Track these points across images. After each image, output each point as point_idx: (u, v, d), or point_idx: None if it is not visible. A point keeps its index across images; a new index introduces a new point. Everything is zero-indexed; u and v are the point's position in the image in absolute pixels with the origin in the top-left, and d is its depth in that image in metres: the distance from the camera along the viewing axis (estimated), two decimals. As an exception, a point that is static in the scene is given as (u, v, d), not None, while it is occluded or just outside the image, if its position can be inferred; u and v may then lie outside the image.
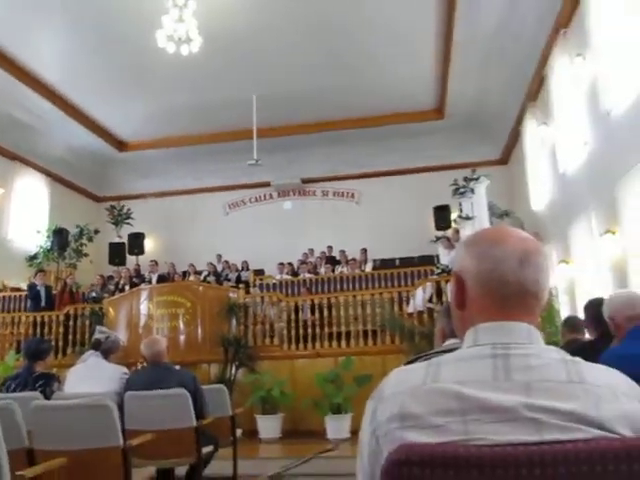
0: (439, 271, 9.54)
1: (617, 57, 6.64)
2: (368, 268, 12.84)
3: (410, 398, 0.96)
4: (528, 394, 0.93)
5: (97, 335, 4.65)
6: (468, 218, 8.80)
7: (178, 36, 8.67)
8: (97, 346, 4.57)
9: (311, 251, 14.13)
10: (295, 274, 13.08)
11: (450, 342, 2.05)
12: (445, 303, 2.29)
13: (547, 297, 1.08)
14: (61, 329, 10.11)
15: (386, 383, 1.03)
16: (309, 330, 9.49)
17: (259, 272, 13.83)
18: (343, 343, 9.27)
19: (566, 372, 0.96)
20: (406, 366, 1.08)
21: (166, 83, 11.65)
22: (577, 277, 8.54)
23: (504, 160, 14.05)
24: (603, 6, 7.03)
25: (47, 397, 4.18)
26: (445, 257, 10.18)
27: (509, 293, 1.02)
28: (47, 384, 4.23)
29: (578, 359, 1.00)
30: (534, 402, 0.92)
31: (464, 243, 1.12)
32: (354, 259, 12.90)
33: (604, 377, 0.97)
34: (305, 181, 15.47)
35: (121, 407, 4.06)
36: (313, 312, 9.84)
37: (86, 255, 13.62)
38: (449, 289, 8.73)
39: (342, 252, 13.46)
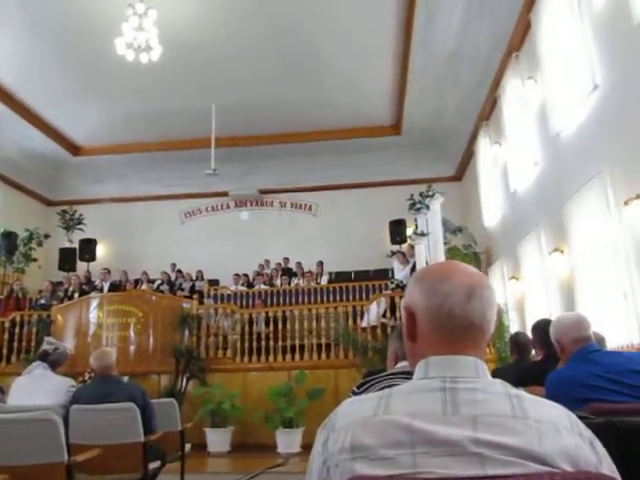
0: (393, 286, 9.63)
1: (566, 79, 6.88)
2: (324, 281, 12.88)
3: (361, 429, 0.97)
4: (474, 428, 0.94)
5: (45, 346, 4.50)
6: (423, 234, 8.93)
7: (138, 44, 8.57)
8: (44, 357, 4.42)
9: (267, 262, 14.08)
10: (250, 285, 13.00)
11: (402, 364, 2.07)
12: (398, 326, 2.32)
13: (493, 329, 1.10)
14: (6, 336, 9.75)
15: (338, 413, 1.04)
16: (263, 343, 9.42)
17: (214, 282, 13.68)
18: (297, 356, 9.23)
19: (510, 407, 0.98)
20: (357, 397, 1.09)
21: (123, 89, 11.47)
22: (526, 293, 8.76)
23: (458, 177, 14.36)
24: (552, 30, 7.28)
25: (-12, 410, 4.02)
26: (400, 272, 10.30)
27: (457, 327, 1.05)
28: (-11, 396, 4.07)
29: (522, 393, 1.02)
30: (479, 436, 0.93)
31: (414, 278, 1.15)
32: (310, 272, 12.92)
33: (547, 412, 0.99)
34: (263, 192, 15.43)
35: (66, 420, 3.94)
36: (267, 324, 9.79)
37: (35, 260, 13.21)
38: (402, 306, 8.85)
39: (298, 264, 13.46)
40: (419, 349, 1.08)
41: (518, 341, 4.02)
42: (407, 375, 1.91)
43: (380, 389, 1.93)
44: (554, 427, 0.96)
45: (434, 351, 1.05)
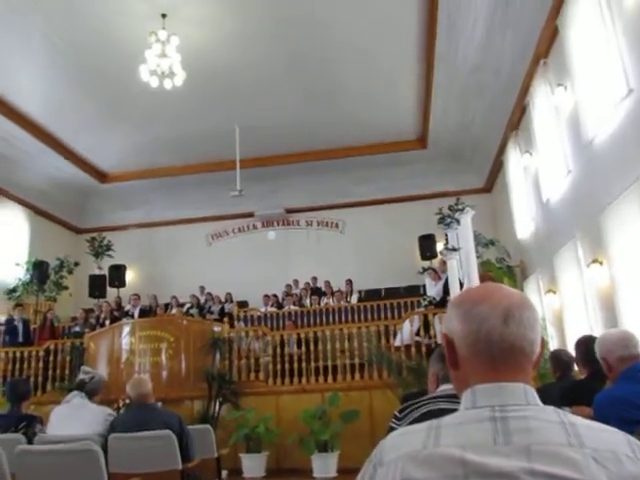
0: (426, 303, 9.58)
1: (597, 84, 6.79)
2: (354, 300, 12.90)
3: (411, 463, 0.96)
4: (529, 458, 0.93)
5: (81, 375, 4.59)
6: (454, 249, 8.87)
7: (161, 70, 8.78)
8: (82, 387, 4.51)
9: (296, 282, 14.14)
10: (280, 306, 13.08)
11: (444, 388, 2.05)
12: (438, 347, 2.29)
13: (538, 351, 1.08)
14: (40, 364, 9.95)
15: (385, 446, 1.03)
16: (295, 365, 9.44)
17: (243, 304, 13.78)
18: (329, 378, 9.22)
19: (565, 435, 0.96)
20: (404, 428, 1.08)
21: (148, 115, 11.73)
22: (565, 307, 8.61)
23: (488, 188, 14.27)
24: (581, 35, 7.21)
25: (30, 439, 4.11)
26: (432, 289, 10.23)
27: (496, 352, 1.04)
28: (29, 425, 4.16)
29: (576, 419, 1.00)
30: (535, 467, 0.92)
31: (451, 303, 1.15)
32: (339, 290, 12.95)
33: (605, 439, 0.96)
34: (289, 211, 15.54)
35: (105, 449, 4.00)
36: (299, 346, 9.81)
37: (66, 288, 13.49)
38: (437, 323, 8.78)
39: (327, 283, 13.50)
40: (463, 377, 1.08)
41: (560, 359, 3.95)
42: (451, 398, 1.91)
43: (423, 414, 1.93)
44: (614, 456, 0.93)
45: (479, 379, 1.04)
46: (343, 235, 15.37)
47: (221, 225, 15.86)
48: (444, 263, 9.83)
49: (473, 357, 1.05)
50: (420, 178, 14.29)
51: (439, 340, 8.55)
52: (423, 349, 8.73)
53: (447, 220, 9.35)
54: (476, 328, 1.05)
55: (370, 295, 13.39)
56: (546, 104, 8.87)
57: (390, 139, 13.43)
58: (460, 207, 9.20)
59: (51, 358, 10.01)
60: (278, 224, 15.78)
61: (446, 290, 9.41)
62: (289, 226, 15.75)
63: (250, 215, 15.51)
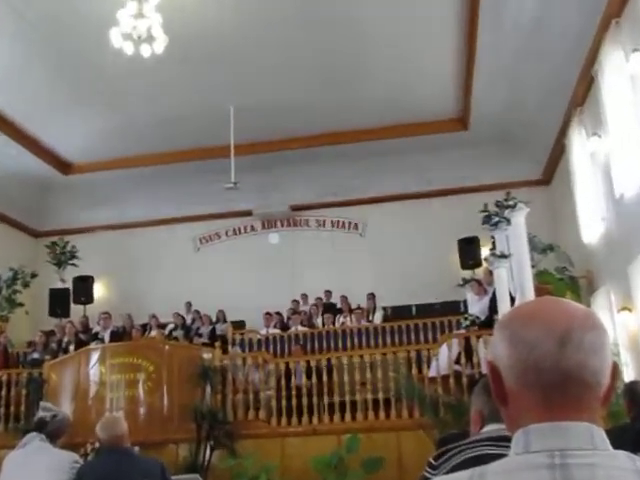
0: (467, 323, 9.59)
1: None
2: (377, 319, 12.94)
3: None
4: None
5: (41, 413, 4.65)
6: (503, 256, 8.87)
7: (138, 34, 8.80)
8: (42, 427, 4.56)
9: (305, 297, 14.22)
10: (285, 327, 13.15)
11: (490, 428, 2.07)
12: (483, 378, 2.30)
13: (606, 381, 1.07)
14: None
15: None
16: (304, 400, 9.48)
17: (239, 324, 13.86)
18: (347, 416, 9.25)
19: None
20: (442, 478, 1.10)
21: (121, 92, 11.84)
22: (643, 328, 8.58)
23: (545, 180, 14.25)
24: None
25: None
26: (475, 305, 10.24)
27: (550, 384, 1.04)
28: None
29: None
30: None
31: (497, 324, 1.16)
32: (359, 307, 13.00)
33: None
34: (295, 208, 15.61)
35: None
36: (309, 376, 9.85)
37: (21, 305, 13.60)
38: (482, 347, 8.79)
39: (344, 298, 13.55)
40: (513, 414, 1.08)
41: (636, 393, 3.95)
42: (498, 442, 1.93)
43: (464, 461, 1.95)
44: None
45: (532, 417, 1.05)
46: (363, 238, 15.41)
47: (211, 226, 15.96)
48: (490, 273, 9.84)
49: (523, 390, 1.06)
50: (460, 167, 14.29)
51: (484, 369, 8.55)
52: (464, 381, 8.73)
53: (494, 219, 9.35)
54: (525, 354, 1.05)
55: (398, 313, 13.44)
56: (619, 73, 8.82)
57: (422, 119, 13.44)
58: (511, 203, 9.20)
59: (3, 392, 10.09)
60: (282, 225, 15.84)
61: (493, 307, 9.42)
62: (296, 227, 15.81)
63: (247, 214, 15.59)
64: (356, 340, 12.01)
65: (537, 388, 1.05)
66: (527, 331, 1.06)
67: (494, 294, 9.49)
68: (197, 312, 13.91)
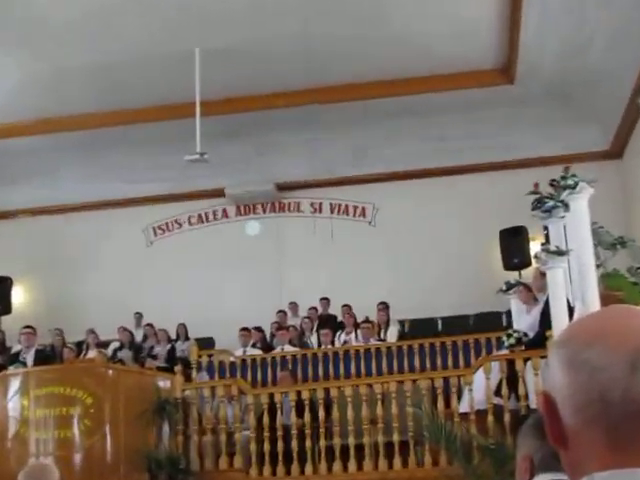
0: (512, 341, 9.56)
1: None
2: (391, 336, 13.03)
3: None
4: None
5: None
6: (560, 253, 8.89)
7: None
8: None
9: (294, 307, 14.32)
10: (268, 347, 13.22)
11: (542, 478, 2.13)
12: (533, 414, 2.33)
13: None
14: None
15: None
16: (293, 443, 9.49)
17: (207, 343, 13.89)
18: (351, 465, 9.27)
19: None
20: None
21: (53, 36, 11.83)
22: None
23: (616, 152, 14.29)
24: None
25: None
26: (523, 318, 10.22)
27: (618, 420, 1.05)
28: None
29: None
30: None
31: (553, 344, 1.19)
32: (368, 320, 12.99)
33: None
34: (282, 188, 15.65)
35: None
36: (300, 413, 9.86)
37: None
38: (530, 374, 8.84)
39: (347, 308, 13.61)
40: (573, 457, 1.10)
41: None
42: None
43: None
44: None
45: (597, 462, 1.06)
46: (374, 229, 15.45)
47: (169, 212, 15.98)
48: (542, 276, 9.85)
49: (585, 427, 1.07)
50: (502, 134, 14.32)
51: (534, 403, 8.62)
52: (507, 418, 8.77)
53: (547, 204, 9.37)
54: (586, 382, 1.07)
55: (419, 328, 13.48)
56: None
57: (455, 69, 13.46)
58: (570, 182, 9.23)
59: None
60: (264, 210, 15.87)
61: (545, 320, 9.41)
62: (283, 213, 15.85)
63: (218, 194, 15.61)
64: (363, 364, 12.01)
65: (602, 425, 1.05)
66: (589, 352, 1.07)
67: (547, 303, 9.48)
68: (150, 326, 13.92)
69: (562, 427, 1.10)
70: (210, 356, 13.11)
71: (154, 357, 13.09)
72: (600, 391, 1.05)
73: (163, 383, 10.08)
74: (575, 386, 1.07)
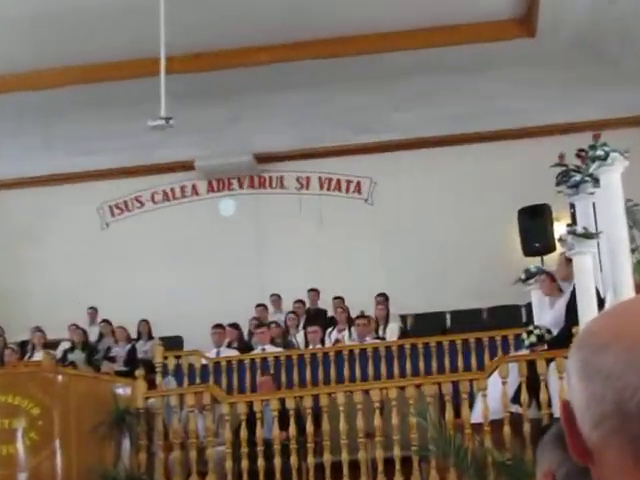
0: (533, 339, 9.59)
1: None
2: (391, 334, 13.08)
3: None
4: None
5: None
6: (589, 235, 8.92)
7: None
8: None
9: (277, 300, 14.39)
10: (247, 347, 13.27)
11: (567, 497, 2.15)
12: (555, 424, 2.33)
13: None
14: None
15: None
16: (276, 460, 9.53)
17: (174, 343, 13.92)
18: (345, 484, 9.36)
19: None
20: None
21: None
22: None
23: (654, 116, 14.36)
24: None
25: None
26: (545, 311, 10.27)
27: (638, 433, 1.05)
28: None
29: None
30: None
31: (574, 342, 1.17)
32: (363, 315, 13.02)
33: None
34: (263, 159, 15.67)
35: None
36: (283, 425, 9.89)
37: None
38: (554, 377, 8.87)
39: (339, 301, 13.68)
40: (600, 474, 1.11)
41: None
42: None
43: None
44: None
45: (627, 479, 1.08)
46: (371, 207, 15.48)
47: (128, 188, 15.97)
48: (569, 262, 9.88)
49: (606, 443, 1.08)
50: (522, 96, 14.30)
51: (558, 411, 8.65)
52: (526, 428, 8.81)
53: (574, 178, 9.41)
54: (600, 391, 1.07)
55: (423, 324, 13.58)
56: None
57: (466, 20, 13.48)
58: (600, 153, 9.25)
59: None
60: (241, 186, 15.89)
61: (572, 315, 9.45)
62: (263, 190, 15.87)
63: (186, 167, 15.63)
64: (358, 367, 12.02)
65: (624, 439, 1.05)
66: (604, 356, 1.07)
67: (573, 295, 9.53)
68: (106, 323, 13.94)
69: (581, 441, 1.11)
70: (178, 358, 13.07)
71: (111, 359, 13.10)
72: (616, 402, 1.04)
73: (122, 390, 10.09)
74: (589, 396, 1.08)
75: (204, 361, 12.75)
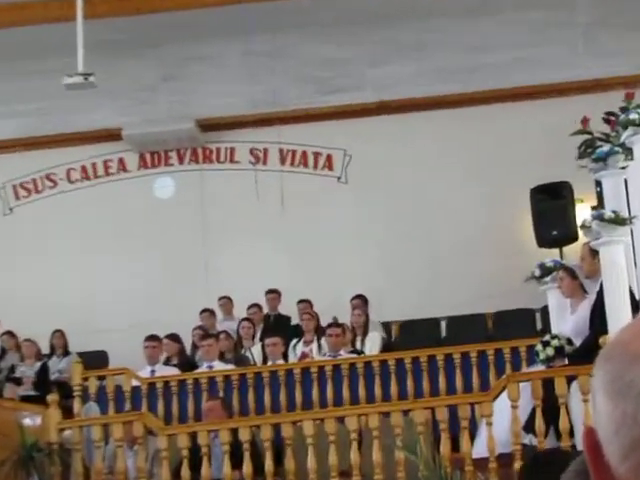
0: (551, 352, 9.65)
1: None
2: (372, 346, 13.09)
3: None
4: None
5: None
6: (619, 221, 8.96)
7: None
8: None
9: (227, 304, 14.38)
10: (189, 364, 13.24)
11: None
12: (578, 458, 2.32)
13: None
14: None
15: None
16: (228, 506, 9.57)
17: (96, 359, 13.89)
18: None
19: None
20: None
21: None
22: None
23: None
24: None
25: None
26: (565, 317, 10.33)
27: None
28: None
29: None
30: None
31: (598, 356, 1.17)
32: (337, 323, 13.02)
33: None
34: (207, 127, 15.64)
35: None
36: (237, 462, 9.89)
37: None
38: (576, 399, 8.90)
39: (305, 305, 13.69)
40: None
41: None
42: None
43: None
44: None
45: None
46: (344, 187, 15.50)
47: (37, 163, 15.89)
48: (594, 255, 9.93)
49: (639, 478, 1.07)
50: (534, 44, 14.38)
51: (579, 444, 8.69)
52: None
53: (601, 149, 9.46)
54: (632, 411, 1.06)
55: (412, 334, 13.55)
56: None
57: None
58: (635, 117, 9.30)
59: None
60: (181, 160, 15.87)
61: (599, 320, 9.48)
62: (209, 164, 15.84)
63: (112, 137, 15.56)
64: (330, 389, 12.01)
65: None
66: (637, 369, 1.07)
67: (601, 296, 9.58)
68: (10, 335, 13.88)
69: (612, 476, 1.09)
70: (101, 379, 13.06)
71: (17, 381, 13.03)
72: None
73: (31, 420, 10.06)
74: (619, 419, 1.06)
75: (135, 382, 12.69)
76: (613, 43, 14.16)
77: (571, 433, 8.93)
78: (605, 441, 1.08)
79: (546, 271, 10.96)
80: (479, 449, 9.44)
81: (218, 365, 12.72)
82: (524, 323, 12.79)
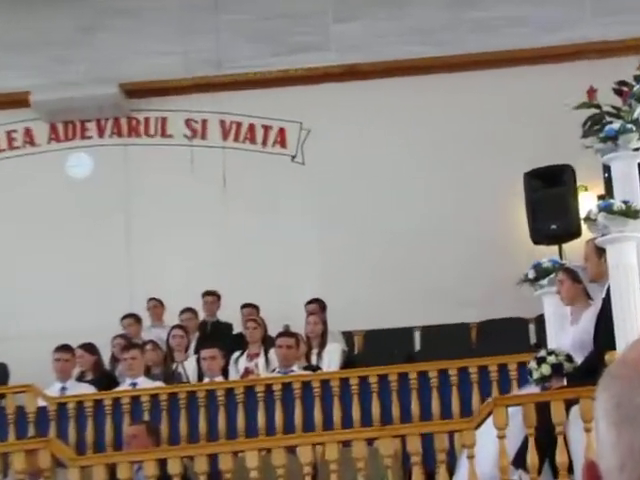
0: (546, 371, 9.71)
1: None
2: (330, 361, 13.19)
3: None
4: None
5: None
6: (631, 213, 9.05)
7: None
8: None
9: (155, 307, 14.42)
10: (108, 379, 13.21)
11: None
12: None
13: None
14: None
15: None
16: None
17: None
18: None
19: None
20: None
21: None
22: None
23: None
24: None
25: None
26: (565, 328, 10.41)
27: None
28: None
29: None
30: None
31: (602, 377, 1.20)
32: (289, 332, 13.05)
33: None
34: (133, 92, 15.66)
35: None
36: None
37: None
38: (577, 428, 8.99)
39: (250, 310, 13.75)
40: None
41: None
42: None
43: None
44: None
45: None
46: (301, 168, 15.55)
47: None
48: (600, 254, 10.00)
49: None
50: (532, 1, 14.50)
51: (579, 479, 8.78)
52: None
53: (610, 126, 9.54)
54: (638, 442, 1.09)
55: (379, 347, 13.63)
56: None
57: None
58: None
59: None
60: (102, 132, 15.88)
61: (605, 332, 9.54)
62: (135, 138, 15.87)
63: (17, 103, 15.58)
64: (279, 412, 12.10)
65: None
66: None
67: (608, 303, 9.64)
68: None
69: None
70: (1, 397, 13.09)
71: None
72: None
73: None
74: (624, 450, 1.09)
75: (41, 402, 12.68)
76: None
77: (570, 469, 8.95)
78: (608, 477, 1.11)
79: (542, 273, 11.02)
80: (460, 486, 9.51)
81: (143, 382, 12.71)
82: (515, 335, 12.85)
